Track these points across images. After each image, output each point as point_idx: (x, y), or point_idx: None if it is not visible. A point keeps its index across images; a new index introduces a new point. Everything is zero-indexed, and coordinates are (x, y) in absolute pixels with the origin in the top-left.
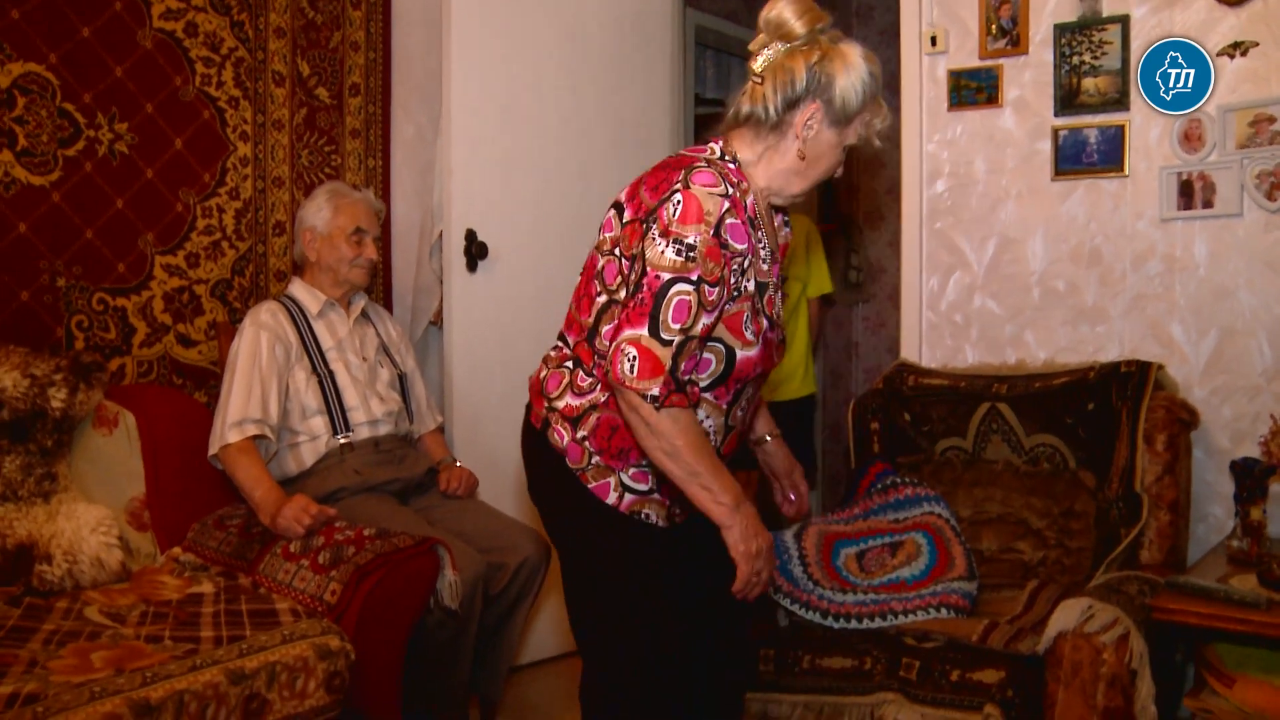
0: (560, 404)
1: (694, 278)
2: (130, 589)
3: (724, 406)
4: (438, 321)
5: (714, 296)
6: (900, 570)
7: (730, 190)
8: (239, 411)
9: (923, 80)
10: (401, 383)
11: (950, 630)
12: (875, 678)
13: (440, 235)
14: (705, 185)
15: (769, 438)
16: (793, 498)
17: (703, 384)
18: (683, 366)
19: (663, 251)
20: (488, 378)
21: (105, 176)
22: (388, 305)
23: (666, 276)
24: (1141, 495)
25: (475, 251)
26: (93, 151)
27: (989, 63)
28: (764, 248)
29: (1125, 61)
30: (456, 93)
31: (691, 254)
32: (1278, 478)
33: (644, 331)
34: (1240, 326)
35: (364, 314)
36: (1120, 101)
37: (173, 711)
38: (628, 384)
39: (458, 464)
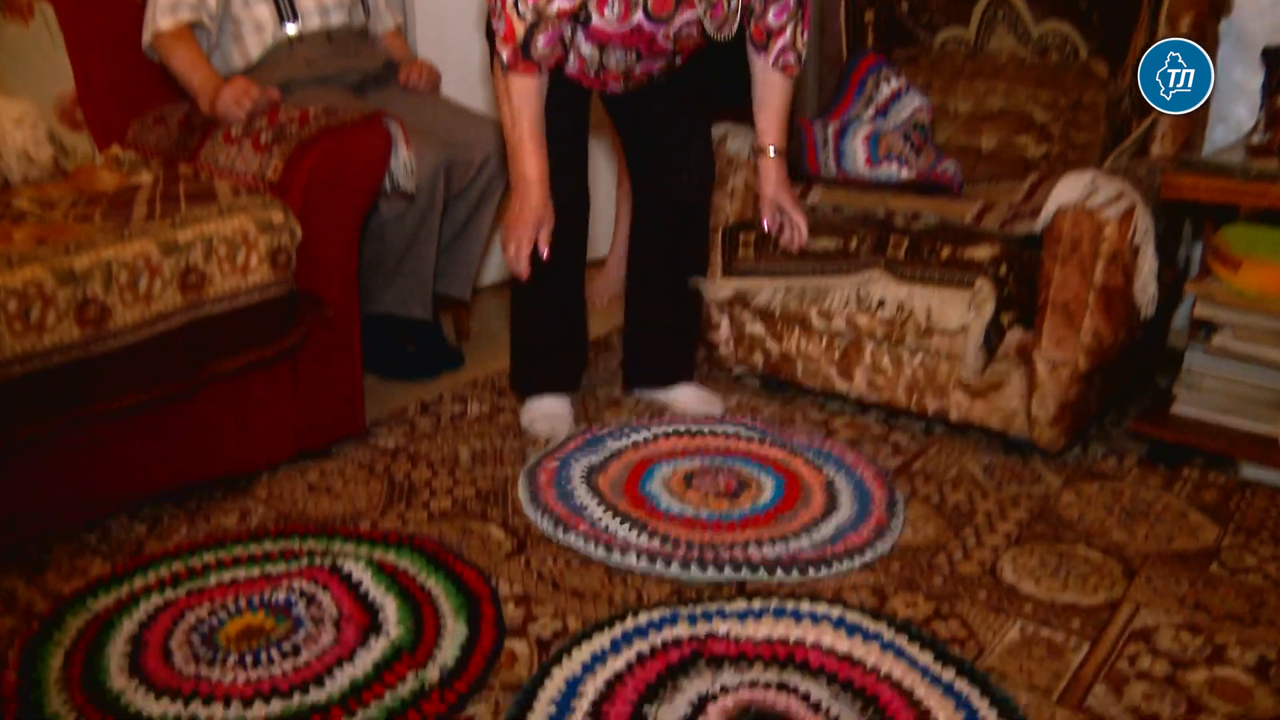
0: None
1: None
2: (65, 184)
3: (595, 49)
4: None
5: None
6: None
7: None
8: None
9: None
10: None
11: (943, 211)
12: (860, 256)
13: None
14: None
15: (763, 151)
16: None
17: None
18: (539, 43)
19: None
20: None
21: None
22: None
23: None
24: None
25: None
26: None
27: None
28: None
29: None
30: None
31: None
32: None
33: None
34: None
35: None
36: None
37: (101, 280)
38: (495, 46)
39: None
